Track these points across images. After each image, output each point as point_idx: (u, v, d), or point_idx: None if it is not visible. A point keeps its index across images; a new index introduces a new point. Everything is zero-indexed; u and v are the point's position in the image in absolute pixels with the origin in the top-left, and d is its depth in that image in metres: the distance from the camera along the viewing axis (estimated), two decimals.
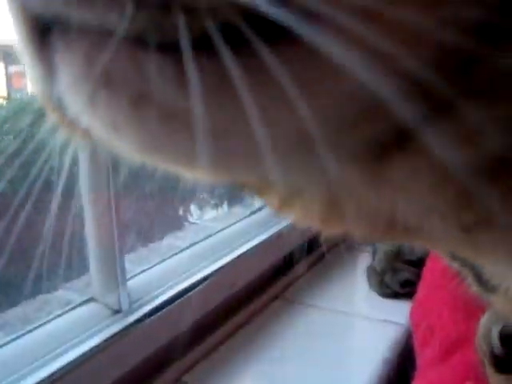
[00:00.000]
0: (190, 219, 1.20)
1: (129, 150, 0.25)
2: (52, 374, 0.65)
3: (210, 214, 1.22)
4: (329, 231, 0.31)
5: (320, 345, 0.95)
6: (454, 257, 0.41)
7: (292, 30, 0.19)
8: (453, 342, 0.65)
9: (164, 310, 0.83)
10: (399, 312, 1.03)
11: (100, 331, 0.75)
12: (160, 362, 0.83)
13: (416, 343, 0.76)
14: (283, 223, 1.16)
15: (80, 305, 0.78)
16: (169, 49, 0.20)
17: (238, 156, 0.25)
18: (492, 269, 0.36)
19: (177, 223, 1.12)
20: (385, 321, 1.02)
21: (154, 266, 0.91)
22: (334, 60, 0.20)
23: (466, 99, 0.22)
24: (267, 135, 0.21)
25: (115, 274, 0.79)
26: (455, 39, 0.21)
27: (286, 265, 1.19)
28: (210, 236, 1.05)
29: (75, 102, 0.23)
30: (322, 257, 1.24)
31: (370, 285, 1.13)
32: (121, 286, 0.79)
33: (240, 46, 0.20)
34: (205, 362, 0.89)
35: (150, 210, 1.15)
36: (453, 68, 0.22)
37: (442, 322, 0.70)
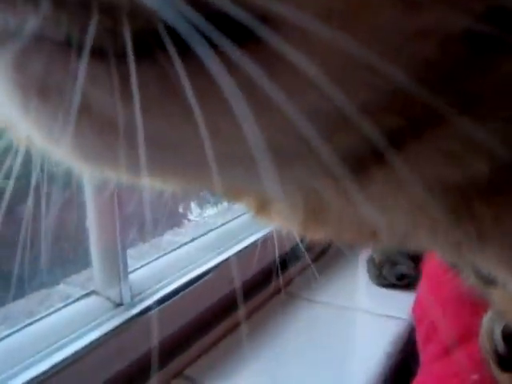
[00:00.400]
0: (190, 217, 1.18)
1: (68, 158, 0.23)
2: (53, 367, 0.64)
3: (210, 210, 1.20)
4: (311, 237, 0.30)
5: (321, 339, 0.93)
6: None
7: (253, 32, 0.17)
8: (457, 336, 0.63)
9: (166, 304, 0.81)
10: (401, 307, 1.02)
11: (102, 324, 0.73)
12: (161, 355, 0.81)
13: (419, 339, 0.74)
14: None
15: (82, 298, 0.76)
16: (98, 53, 0.18)
17: (184, 166, 0.23)
18: (489, 268, 0.35)
19: (177, 220, 1.10)
20: (387, 316, 1.00)
21: (156, 259, 0.89)
22: (297, 68, 0.18)
23: (454, 112, 0.20)
24: (214, 146, 0.19)
25: (117, 268, 0.78)
26: (438, 49, 0.19)
27: (286, 260, 1.18)
28: (211, 230, 1.04)
29: (12, 109, 0.21)
30: (323, 252, 1.23)
31: (370, 276, 1.12)
32: (122, 279, 0.78)
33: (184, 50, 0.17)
34: (206, 356, 0.87)
35: (151, 207, 1.13)
36: (437, 79, 0.20)
37: (445, 317, 0.69)
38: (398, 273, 1.07)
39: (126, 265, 0.79)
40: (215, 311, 0.93)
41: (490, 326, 0.54)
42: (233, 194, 0.31)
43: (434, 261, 0.91)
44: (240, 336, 0.93)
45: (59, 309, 0.73)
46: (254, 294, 1.03)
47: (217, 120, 0.19)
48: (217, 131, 0.19)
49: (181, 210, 1.22)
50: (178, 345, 0.84)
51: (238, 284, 0.97)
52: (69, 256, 0.86)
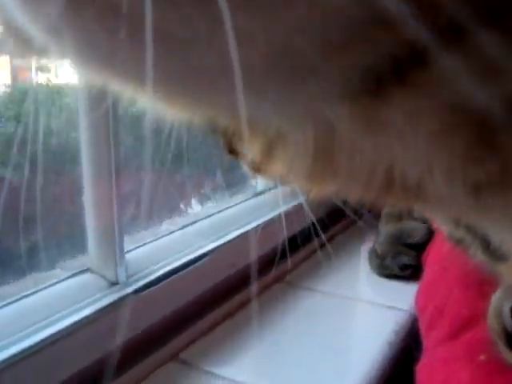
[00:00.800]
0: (190, 212, 1.15)
1: (71, 58, 0.20)
2: (42, 341, 0.60)
3: (211, 207, 1.17)
4: (316, 190, 0.27)
5: (321, 329, 0.90)
6: (457, 224, 0.34)
7: None
8: (464, 319, 0.60)
9: (162, 284, 0.78)
10: (403, 298, 0.98)
11: (96, 302, 0.69)
12: (157, 337, 0.78)
13: (422, 327, 0.71)
14: (285, 207, 1.11)
15: (76, 275, 0.73)
16: None
17: (196, 77, 0.19)
18: (502, 236, 0.31)
19: (177, 214, 1.07)
20: (388, 306, 0.97)
21: (153, 241, 0.86)
22: None
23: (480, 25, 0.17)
24: (239, 50, 0.16)
25: (113, 246, 0.74)
26: None
27: (288, 248, 1.14)
28: (211, 215, 1.00)
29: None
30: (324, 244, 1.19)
31: (371, 266, 1.09)
32: (118, 258, 0.74)
33: None
34: (203, 340, 0.84)
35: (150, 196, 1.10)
36: None
37: (451, 300, 0.65)
38: (401, 263, 1.04)
39: (122, 243, 0.75)
40: (214, 294, 0.89)
41: (498, 306, 0.51)
42: (234, 137, 0.28)
43: (439, 248, 0.88)
44: (239, 321, 0.89)
45: (52, 285, 0.69)
46: (254, 281, 1.00)
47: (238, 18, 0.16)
48: (247, 32, 0.16)
49: (182, 206, 1.19)
50: (174, 327, 0.80)
51: (238, 268, 0.93)
52: (64, 239, 0.82)
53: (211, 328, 0.86)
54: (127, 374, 0.71)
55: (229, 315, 0.90)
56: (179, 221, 0.95)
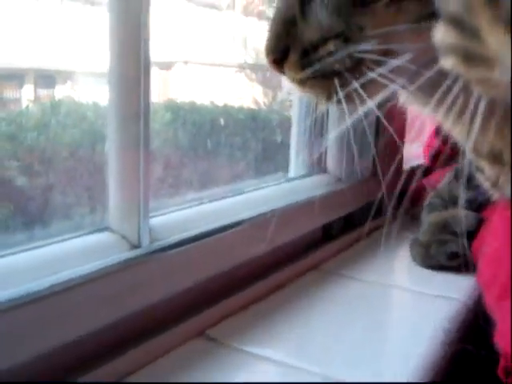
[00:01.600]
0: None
1: None
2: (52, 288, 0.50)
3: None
4: None
5: (361, 316, 0.79)
6: None
7: None
8: None
9: (189, 251, 0.67)
10: (442, 286, 0.87)
11: (115, 263, 0.59)
12: (181, 310, 0.68)
13: (490, 301, 0.60)
14: (321, 189, 1.01)
15: (93, 232, 0.63)
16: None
17: None
18: None
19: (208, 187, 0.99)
20: (432, 295, 0.85)
21: (181, 209, 0.76)
22: None
23: None
24: None
25: (137, 205, 0.64)
26: None
27: (324, 237, 1.03)
28: (244, 193, 0.90)
29: None
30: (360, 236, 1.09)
31: (413, 257, 0.97)
32: (142, 219, 0.64)
33: None
34: (233, 318, 0.73)
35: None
36: None
37: None
38: (449, 251, 0.92)
39: (147, 204, 0.65)
40: (246, 272, 0.79)
41: None
42: None
43: (498, 220, 0.77)
44: (271, 304, 0.79)
45: (64, 240, 0.59)
46: (291, 262, 0.89)
47: None
48: None
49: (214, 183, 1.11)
50: (200, 302, 0.70)
51: (274, 245, 0.83)
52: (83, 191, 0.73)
53: (243, 307, 0.75)
54: (147, 344, 0.61)
55: (261, 296, 0.79)
56: (210, 195, 0.85)
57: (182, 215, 0.75)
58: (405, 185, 1.22)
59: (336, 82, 0.44)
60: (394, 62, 0.39)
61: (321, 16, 0.44)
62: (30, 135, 0.80)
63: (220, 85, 2.05)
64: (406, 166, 1.31)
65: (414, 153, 1.45)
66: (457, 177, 1.02)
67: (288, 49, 0.46)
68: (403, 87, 0.47)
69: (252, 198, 0.89)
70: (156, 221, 0.69)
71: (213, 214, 0.77)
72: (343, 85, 0.43)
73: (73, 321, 0.52)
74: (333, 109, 1.07)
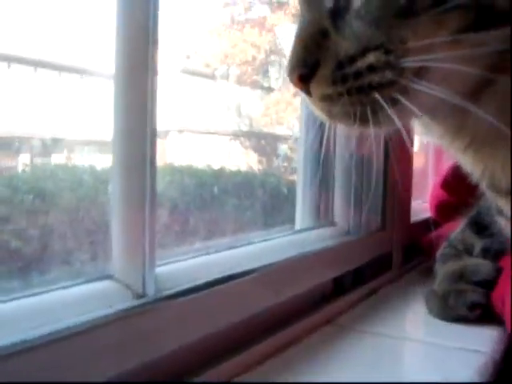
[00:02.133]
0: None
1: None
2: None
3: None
4: None
5: (382, 373, 0.72)
6: None
7: None
8: None
9: (195, 300, 0.62)
10: (464, 338, 0.81)
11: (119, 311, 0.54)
12: (188, 365, 0.62)
13: None
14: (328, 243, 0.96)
15: (95, 280, 0.58)
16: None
17: None
18: None
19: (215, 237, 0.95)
20: (454, 348, 0.79)
21: (189, 259, 0.71)
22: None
23: None
24: None
25: (142, 252, 0.59)
26: None
27: (335, 290, 0.98)
28: (251, 244, 0.85)
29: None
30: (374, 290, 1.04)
31: (430, 310, 0.91)
32: (148, 267, 0.59)
33: None
34: (244, 376, 0.67)
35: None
36: None
37: None
38: (469, 301, 0.86)
39: (153, 251, 0.61)
40: (255, 326, 0.73)
41: None
42: None
43: None
44: (285, 358, 0.72)
45: (66, 287, 0.54)
46: (302, 316, 0.83)
47: None
48: None
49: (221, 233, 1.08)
50: (207, 357, 0.64)
51: (282, 300, 0.78)
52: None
53: (253, 365, 0.69)
54: None
55: (273, 353, 0.73)
56: (217, 245, 0.80)
57: (189, 264, 0.70)
58: (414, 237, 1.17)
59: (378, 96, 0.41)
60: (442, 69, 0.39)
61: (358, 28, 0.42)
62: (26, 198, 0.78)
63: (215, 151, 2.05)
64: (414, 218, 1.27)
65: (420, 206, 1.41)
66: (470, 225, 0.98)
67: (317, 63, 0.43)
68: (434, 108, 0.45)
69: (258, 249, 0.85)
70: (161, 270, 0.64)
71: (219, 264, 0.72)
72: (384, 100, 0.41)
73: (71, 372, 0.47)
74: (339, 160, 1.05)
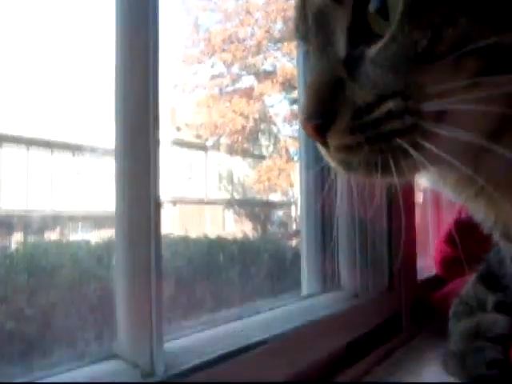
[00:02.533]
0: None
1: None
2: None
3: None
4: None
5: None
6: None
7: None
8: None
9: (207, 377, 0.58)
10: None
11: None
12: None
13: None
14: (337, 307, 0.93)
15: (101, 360, 0.54)
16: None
17: None
18: None
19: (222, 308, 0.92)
20: None
21: (197, 332, 0.67)
22: None
23: None
24: None
25: (149, 329, 0.56)
26: None
27: (348, 356, 0.93)
28: (261, 313, 0.82)
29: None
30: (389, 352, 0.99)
31: (447, 370, 0.87)
32: (156, 342, 0.56)
33: None
34: None
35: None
36: None
37: None
38: (489, 359, 0.82)
39: (160, 326, 0.57)
40: None
41: None
42: None
43: None
44: None
45: (69, 370, 0.51)
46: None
47: None
48: None
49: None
50: None
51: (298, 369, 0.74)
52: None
53: None
54: None
55: None
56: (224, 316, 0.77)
57: (197, 338, 0.66)
58: (422, 296, 1.13)
59: (400, 141, 0.39)
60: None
61: (375, 75, 0.41)
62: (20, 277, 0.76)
63: (210, 220, 2.05)
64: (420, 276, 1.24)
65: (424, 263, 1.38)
66: (481, 280, 0.95)
67: (333, 113, 0.42)
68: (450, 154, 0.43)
69: (266, 319, 0.81)
70: (169, 345, 0.61)
71: (232, 335, 0.69)
72: (406, 147, 0.40)
73: None
74: (341, 222, 1.03)
